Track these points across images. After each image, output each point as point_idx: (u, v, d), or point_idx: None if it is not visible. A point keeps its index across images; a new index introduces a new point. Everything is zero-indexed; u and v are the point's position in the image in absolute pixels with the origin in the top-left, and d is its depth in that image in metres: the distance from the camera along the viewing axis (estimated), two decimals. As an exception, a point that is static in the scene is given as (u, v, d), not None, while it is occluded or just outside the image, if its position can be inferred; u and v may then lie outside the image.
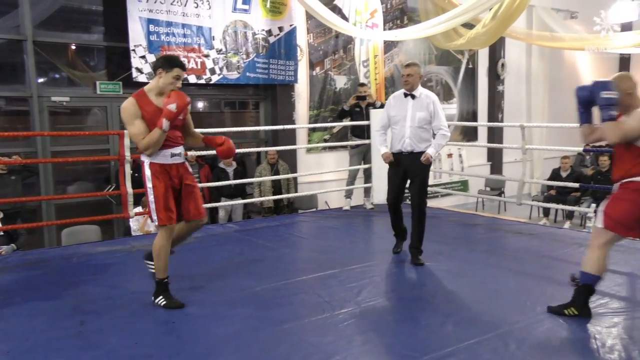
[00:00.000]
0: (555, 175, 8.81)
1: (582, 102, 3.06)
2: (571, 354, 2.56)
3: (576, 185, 6.63)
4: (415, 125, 4.07)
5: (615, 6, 9.62)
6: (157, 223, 3.19)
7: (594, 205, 7.75)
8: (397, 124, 4.15)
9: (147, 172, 3.16)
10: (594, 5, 11.10)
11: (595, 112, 3.01)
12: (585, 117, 3.09)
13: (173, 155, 3.20)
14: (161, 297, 3.26)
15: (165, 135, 3.09)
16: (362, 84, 7.14)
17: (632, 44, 8.91)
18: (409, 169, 4.15)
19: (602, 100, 2.87)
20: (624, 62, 13.01)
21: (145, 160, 3.17)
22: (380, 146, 4.31)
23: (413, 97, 4.11)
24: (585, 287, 3.00)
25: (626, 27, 11.26)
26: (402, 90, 4.19)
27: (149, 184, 3.16)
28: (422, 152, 4.07)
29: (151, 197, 3.16)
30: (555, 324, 2.89)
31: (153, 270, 3.31)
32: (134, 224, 5.84)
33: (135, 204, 5.46)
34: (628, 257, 4.18)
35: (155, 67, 3.15)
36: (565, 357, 2.52)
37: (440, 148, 4.14)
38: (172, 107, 3.03)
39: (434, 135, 4.14)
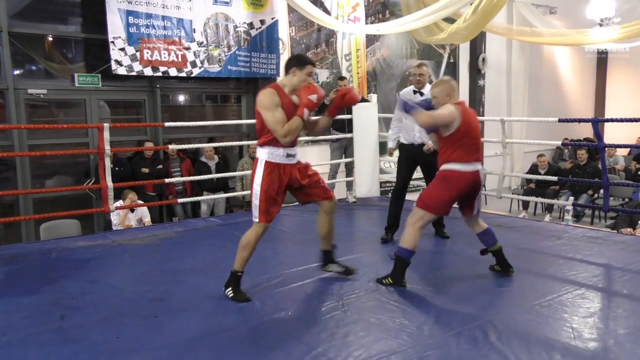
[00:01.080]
0: (534, 171, 8.95)
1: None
2: (549, 343, 2.62)
3: (554, 178, 6.74)
4: None
5: (593, 1, 9.75)
6: (255, 220, 3.27)
7: (572, 198, 7.90)
8: (407, 118, 4.42)
9: (260, 170, 3.26)
10: (573, 1, 11.26)
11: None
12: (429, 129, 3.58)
13: (288, 155, 3.30)
14: (230, 289, 3.30)
15: (301, 125, 3.22)
16: (342, 78, 7.13)
17: (609, 39, 9.05)
18: (420, 159, 4.59)
19: (406, 106, 3.48)
20: (602, 57, 13.22)
21: (261, 158, 3.28)
22: (389, 140, 4.89)
23: (422, 94, 4.52)
24: (401, 259, 3.43)
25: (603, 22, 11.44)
26: (411, 87, 4.66)
27: (258, 181, 3.25)
28: (422, 144, 4.51)
29: (256, 194, 3.24)
30: (534, 315, 2.94)
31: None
32: (114, 218, 5.79)
33: (116, 198, 5.41)
34: (604, 249, 4.28)
35: (289, 65, 3.29)
36: (544, 347, 2.57)
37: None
38: (313, 97, 3.20)
39: None
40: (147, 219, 5.96)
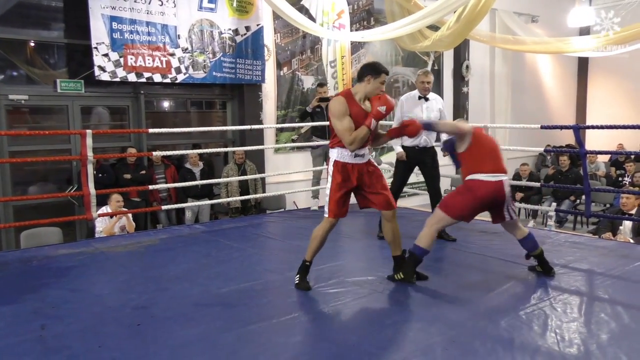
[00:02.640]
0: (517, 179, 9.03)
1: (450, 150, 3.84)
2: (533, 348, 2.63)
3: (537, 184, 6.81)
4: None
5: (573, 11, 9.92)
6: (325, 215, 3.49)
7: (554, 204, 7.99)
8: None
9: (331, 168, 3.49)
10: (554, 10, 11.46)
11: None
12: (455, 159, 3.85)
13: (356, 155, 3.46)
14: (298, 276, 3.55)
15: (369, 134, 3.38)
16: (321, 84, 7.13)
17: (590, 48, 9.20)
18: (422, 161, 4.85)
19: (428, 126, 3.82)
20: (583, 64, 13.44)
21: (332, 158, 3.50)
22: (396, 146, 4.93)
23: (427, 99, 4.84)
24: (414, 257, 3.61)
25: (584, 31, 11.65)
26: (415, 93, 4.89)
27: (330, 179, 3.49)
28: (433, 147, 4.84)
29: (327, 191, 3.49)
30: (518, 320, 2.96)
31: None
32: (99, 225, 5.71)
33: (99, 205, 5.35)
34: (586, 254, 4.33)
35: (363, 73, 3.42)
36: (528, 352, 2.59)
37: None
38: (382, 109, 3.35)
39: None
40: (131, 223, 5.87)
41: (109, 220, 5.71)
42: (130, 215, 5.85)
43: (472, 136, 3.62)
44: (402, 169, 4.93)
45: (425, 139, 4.78)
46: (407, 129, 3.63)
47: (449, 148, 3.84)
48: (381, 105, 3.35)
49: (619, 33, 8.03)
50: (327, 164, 3.58)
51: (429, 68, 10.41)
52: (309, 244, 3.55)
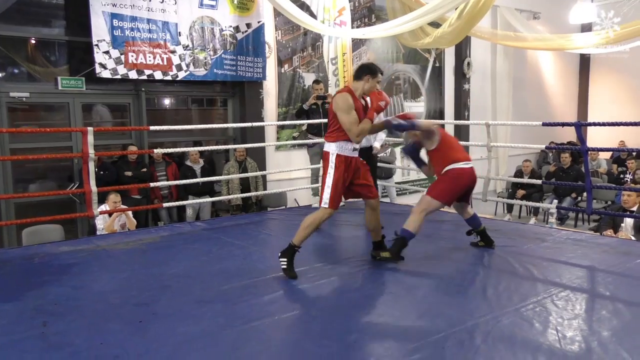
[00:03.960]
0: (519, 176, 9.03)
1: (411, 154, 4.24)
2: (534, 345, 2.63)
3: (539, 181, 6.80)
4: None
5: (575, 7, 9.89)
6: (325, 206, 3.65)
7: (556, 201, 7.99)
8: None
9: (333, 161, 3.66)
10: (556, 6, 11.43)
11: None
12: (420, 162, 4.31)
13: (354, 149, 3.73)
14: (286, 260, 3.66)
15: (371, 126, 3.70)
16: (317, 81, 7.11)
17: (592, 45, 9.19)
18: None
19: (399, 126, 3.91)
20: (584, 61, 13.41)
21: (332, 152, 3.67)
22: (376, 142, 5.30)
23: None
24: (403, 239, 3.95)
25: (586, 27, 11.63)
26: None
27: (331, 172, 3.66)
28: (371, 147, 5.17)
29: (329, 183, 3.65)
30: (519, 317, 2.96)
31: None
32: (99, 222, 5.72)
33: (100, 202, 5.35)
34: (588, 252, 4.33)
35: (362, 73, 3.73)
36: (529, 349, 2.59)
37: (382, 142, 5.35)
38: (382, 103, 3.72)
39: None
40: (132, 220, 5.87)
41: (108, 217, 5.71)
42: (130, 212, 5.86)
43: (440, 132, 4.08)
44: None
45: (367, 137, 4.99)
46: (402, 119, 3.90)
47: (411, 151, 4.22)
48: (382, 100, 3.72)
49: (619, 31, 8.01)
50: (324, 159, 3.72)
51: (429, 65, 10.42)
52: (299, 229, 3.69)
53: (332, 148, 3.69)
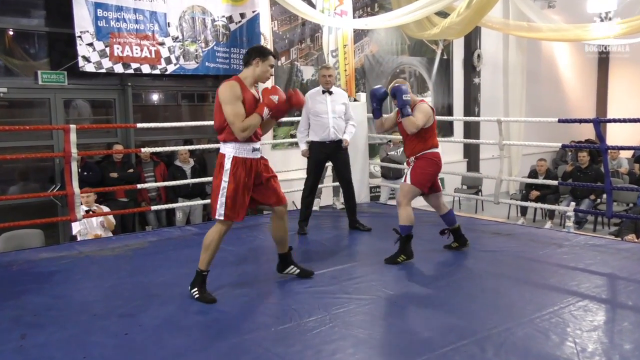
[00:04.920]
0: (533, 176, 9.01)
1: (378, 100, 4.36)
2: (549, 359, 2.62)
3: (555, 182, 6.79)
4: (336, 117, 5.20)
5: (594, -5, 9.89)
6: (220, 218, 3.45)
7: (573, 203, 7.98)
8: (318, 117, 5.16)
9: (227, 165, 3.42)
10: (573, -6, 11.42)
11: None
12: (378, 112, 4.39)
13: (254, 150, 3.49)
14: (196, 289, 3.47)
15: (260, 123, 3.44)
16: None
17: (610, 35, 9.18)
18: (332, 154, 5.27)
19: (403, 102, 4.13)
20: (604, 54, 13.40)
21: (227, 153, 3.44)
22: (300, 143, 5.40)
23: (330, 93, 5.23)
24: (407, 236, 4.15)
25: (605, 17, 11.61)
26: (319, 88, 5.26)
27: (225, 179, 3.41)
28: (340, 140, 5.21)
29: (222, 192, 3.41)
30: (534, 329, 2.95)
31: None
32: (75, 228, 5.67)
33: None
34: (608, 258, 4.32)
35: (251, 56, 3.50)
36: (544, 363, 2.58)
37: (352, 135, 5.36)
38: (275, 98, 3.44)
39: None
40: (110, 220, 5.83)
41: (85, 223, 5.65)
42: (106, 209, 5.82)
43: (433, 115, 4.30)
44: (313, 166, 5.33)
45: (334, 131, 5.16)
46: (293, 100, 3.60)
47: (382, 96, 4.34)
48: (273, 94, 3.44)
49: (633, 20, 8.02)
50: (219, 162, 3.47)
51: (437, 58, 10.41)
52: (201, 252, 3.51)
53: (227, 149, 3.44)
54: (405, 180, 4.27)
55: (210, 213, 3.48)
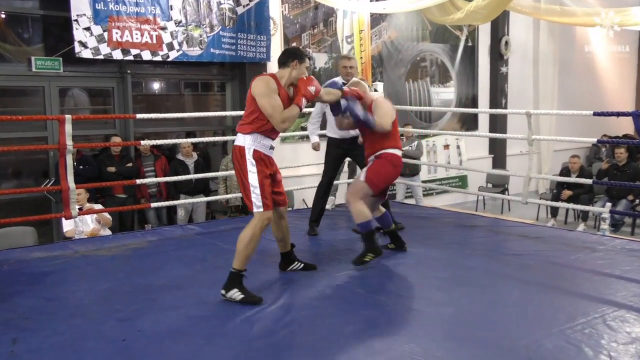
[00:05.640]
0: (565, 174, 8.93)
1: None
2: (582, 373, 2.61)
3: (589, 181, 6.73)
4: None
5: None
6: (260, 210, 3.55)
7: (609, 204, 7.90)
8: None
9: (250, 158, 3.56)
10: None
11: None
12: (337, 109, 4.17)
13: (271, 147, 3.69)
14: (236, 290, 3.46)
15: (298, 114, 3.66)
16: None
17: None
18: (351, 152, 5.23)
19: (361, 116, 4.08)
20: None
21: (247, 147, 3.56)
22: (311, 135, 5.36)
23: None
24: (368, 233, 4.12)
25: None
26: (339, 79, 5.03)
27: (253, 169, 3.55)
28: (357, 137, 5.03)
29: (255, 183, 3.55)
30: (565, 341, 2.93)
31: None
32: (66, 226, 5.70)
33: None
34: (646, 264, 4.27)
35: (289, 58, 3.69)
36: (576, 378, 2.57)
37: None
38: (312, 89, 3.64)
39: None
40: (105, 216, 5.87)
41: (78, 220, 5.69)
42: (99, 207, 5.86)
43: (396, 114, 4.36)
44: (332, 162, 5.30)
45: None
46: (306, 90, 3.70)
47: (351, 111, 4.10)
48: (310, 85, 3.65)
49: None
50: (238, 155, 3.60)
51: (461, 45, 10.35)
52: (238, 251, 3.53)
53: (247, 142, 3.57)
54: (359, 178, 4.30)
55: (247, 207, 3.66)
